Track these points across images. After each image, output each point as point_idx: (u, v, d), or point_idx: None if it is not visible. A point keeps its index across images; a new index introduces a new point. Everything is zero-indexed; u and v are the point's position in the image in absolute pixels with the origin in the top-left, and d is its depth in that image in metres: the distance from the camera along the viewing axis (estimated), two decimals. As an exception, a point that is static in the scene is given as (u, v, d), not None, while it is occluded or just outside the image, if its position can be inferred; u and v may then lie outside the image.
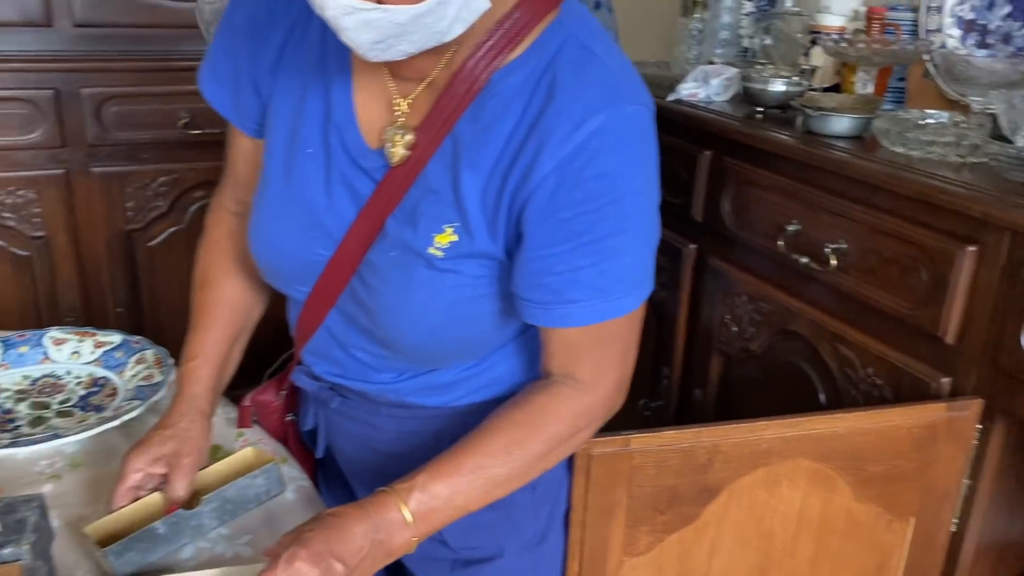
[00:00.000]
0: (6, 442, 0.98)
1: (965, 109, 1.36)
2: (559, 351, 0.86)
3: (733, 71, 1.67)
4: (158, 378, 1.11)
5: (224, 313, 1.00)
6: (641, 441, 0.98)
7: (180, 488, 0.87)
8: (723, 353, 1.61)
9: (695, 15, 1.89)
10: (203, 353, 0.97)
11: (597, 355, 0.85)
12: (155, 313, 2.19)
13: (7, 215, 2.01)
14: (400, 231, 0.83)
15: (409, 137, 0.82)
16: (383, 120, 0.84)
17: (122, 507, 0.86)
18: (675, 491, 1.01)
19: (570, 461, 0.99)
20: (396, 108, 0.83)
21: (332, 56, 0.84)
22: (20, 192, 2.01)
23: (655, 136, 0.82)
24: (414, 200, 0.82)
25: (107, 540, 0.83)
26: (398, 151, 0.82)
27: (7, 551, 0.72)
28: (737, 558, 1.08)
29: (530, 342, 0.94)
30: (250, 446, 0.98)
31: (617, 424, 0.97)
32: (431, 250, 0.81)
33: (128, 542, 0.82)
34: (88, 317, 2.08)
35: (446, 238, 0.81)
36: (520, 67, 0.79)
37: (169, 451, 0.88)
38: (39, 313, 2.09)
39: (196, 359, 0.97)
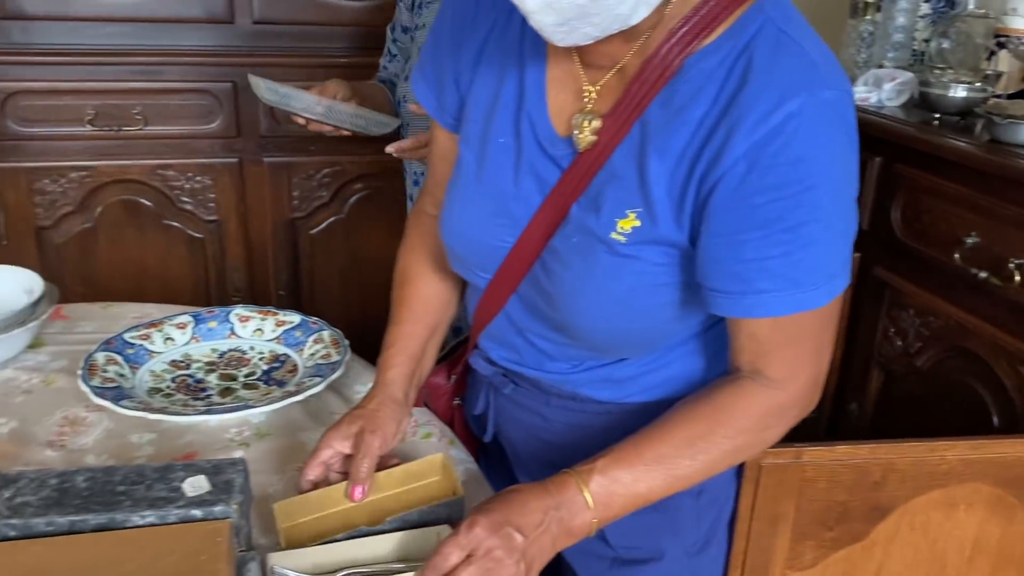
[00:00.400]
0: (201, 409, 1.06)
1: None
2: (747, 346, 0.84)
3: (908, 75, 1.60)
4: (335, 357, 1.16)
5: (420, 308, 1.04)
6: (814, 454, 0.96)
7: (362, 469, 0.89)
8: (883, 367, 1.56)
9: (866, 17, 1.82)
10: (399, 343, 1.01)
11: (788, 351, 0.83)
12: (312, 297, 2.30)
13: (185, 199, 2.16)
14: (583, 217, 0.84)
15: (596, 123, 0.83)
16: (572, 108, 0.86)
17: (310, 481, 0.90)
18: (845, 507, 0.99)
19: (739, 470, 0.98)
20: (585, 95, 0.85)
21: (529, 48, 0.87)
22: (198, 178, 2.16)
23: (855, 125, 0.79)
24: (598, 186, 0.83)
25: (289, 519, 0.87)
26: (585, 137, 0.83)
27: (218, 508, 0.78)
28: (905, 581, 1.05)
29: (711, 343, 0.93)
30: (439, 452, 0.98)
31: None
32: (613, 235, 0.82)
33: (305, 552, 0.84)
34: (252, 298, 2.21)
35: (629, 223, 0.81)
36: (714, 51, 0.77)
37: (357, 430, 0.92)
38: (208, 292, 2.23)
39: (392, 348, 1.01)
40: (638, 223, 0.81)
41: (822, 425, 1.70)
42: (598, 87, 0.84)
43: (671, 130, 0.78)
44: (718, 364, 0.92)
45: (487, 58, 0.90)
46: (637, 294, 0.83)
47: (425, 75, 0.96)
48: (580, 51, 0.83)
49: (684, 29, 0.78)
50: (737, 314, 0.81)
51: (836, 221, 0.78)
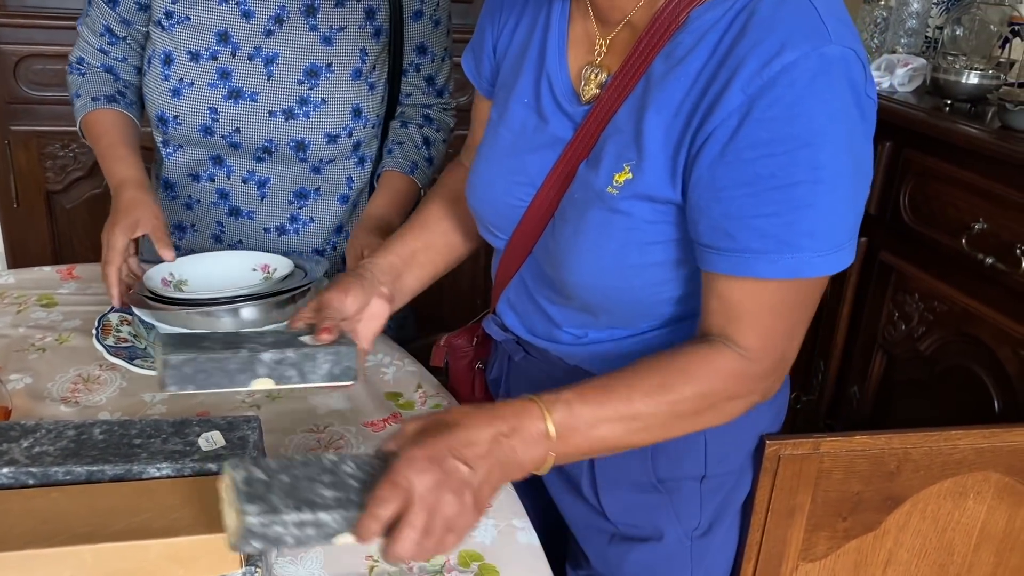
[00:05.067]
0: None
1: None
2: (719, 308, 0.78)
3: (920, 61, 1.61)
4: None
5: (426, 235, 1.04)
6: (832, 444, 0.96)
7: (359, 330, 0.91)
8: (886, 351, 1.57)
9: (880, 2, 1.82)
10: (393, 245, 1.01)
11: (766, 321, 0.77)
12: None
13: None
14: (587, 173, 0.84)
15: (603, 76, 0.84)
16: (584, 63, 0.87)
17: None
18: (860, 498, 0.99)
19: (753, 459, 0.97)
20: (596, 48, 0.86)
21: (555, 9, 0.88)
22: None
23: (870, 89, 0.74)
24: (602, 141, 0.83)
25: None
26: (590, 90, 0.84)
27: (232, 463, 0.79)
28: (912, 569, 1.06)
29: None
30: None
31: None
32: (609, 189, 0.81)
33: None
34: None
35: (623, 176, 0.80)
36: (721, 2, 0.75)
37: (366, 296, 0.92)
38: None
39: (386, 247, 1.01)
40: (630, 176, 0.79)
41: (823, 409, 1.72)
42: (608, 40, 0.85)
43: (669, 82, 0.77)
44: None
45: (523, 23, 0.92)
46: (628, 251, 0.81)
47: (473, 45, 1.00)
48: (594, 6, 0.84)
49: None
50: (724, 271, 0.76)
51: (838, 186, 0.72)
